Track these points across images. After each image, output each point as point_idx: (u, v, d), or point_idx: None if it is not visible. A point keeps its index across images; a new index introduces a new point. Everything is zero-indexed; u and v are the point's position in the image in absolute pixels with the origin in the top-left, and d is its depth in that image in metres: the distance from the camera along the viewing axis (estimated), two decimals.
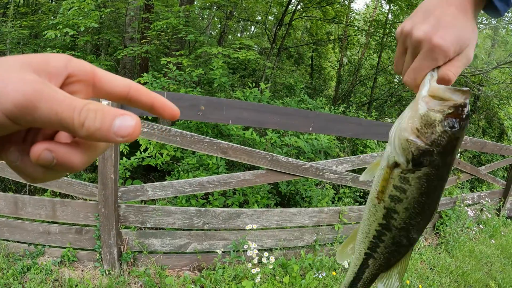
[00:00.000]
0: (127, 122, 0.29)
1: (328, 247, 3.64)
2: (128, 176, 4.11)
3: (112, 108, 0.29)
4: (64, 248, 2.88)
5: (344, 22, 10.50)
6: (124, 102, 0.36)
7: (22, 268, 2.71)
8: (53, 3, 11.36)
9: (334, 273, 3.26)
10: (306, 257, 3.37)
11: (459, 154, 8.82)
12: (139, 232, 2.94)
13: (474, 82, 10.29)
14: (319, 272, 3.21)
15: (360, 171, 5.15)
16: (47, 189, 3.54)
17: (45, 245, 2.89)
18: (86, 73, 0.33)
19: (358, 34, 10.92)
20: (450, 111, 0.54)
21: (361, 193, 5.14)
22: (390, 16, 10.74)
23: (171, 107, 0.36)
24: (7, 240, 2.86)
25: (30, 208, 2.77)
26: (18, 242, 2.87)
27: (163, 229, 3.07)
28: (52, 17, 8.32)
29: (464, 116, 0.54)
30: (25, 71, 0.28)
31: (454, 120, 0.53)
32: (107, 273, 2.84)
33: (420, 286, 3.39)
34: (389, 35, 9.79)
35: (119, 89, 0.35)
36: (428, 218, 0.62)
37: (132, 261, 2.94)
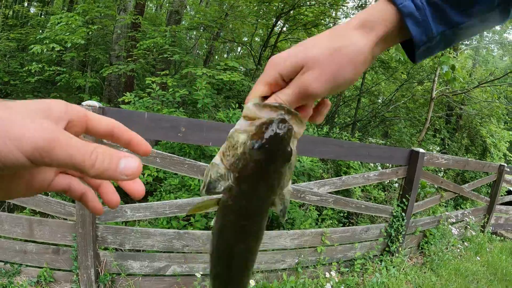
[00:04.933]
0: (131, 164, 0.34)
1: (310, 269, 3.62)
2: None
3: (117, 151, 0.34)
4: (41, 268, 2.81)
5: None
6: (107, 138, 0.42)
7: None
8: (42, 16, 11.36)
9: None
10: (289, 280, 3.34)
11: (442, 173, 8.97)
12: (118, 254, 2.89)
13: (456, 101, 10.54)
14: None
15: (342, 192, 5.18)
16: (26, 207, 3.48)
17: (22, 264, 2.81)
18: (81, 117, 0.38)
19: None
20: (254, 131, 0.45)
21: (345, 214, 5.15)
22: None
23: (145, 144, 0.42)
24: None
25: (7, 226, 2.70)
26: None
27: (143, 251, 3.02)
28: (40, 31, 8.31)
29: (266, 135, 0.44)
30: (38, 117, 0.32)
31: (255, 140, 0.44)
32: None
33: None
34: None
35: (105, 128, 0.41)
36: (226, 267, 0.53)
37: (110, 283, 2.88)
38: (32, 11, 12.81)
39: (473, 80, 11.19)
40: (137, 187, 0.42)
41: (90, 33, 6.83)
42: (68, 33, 6.07)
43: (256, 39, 11.15)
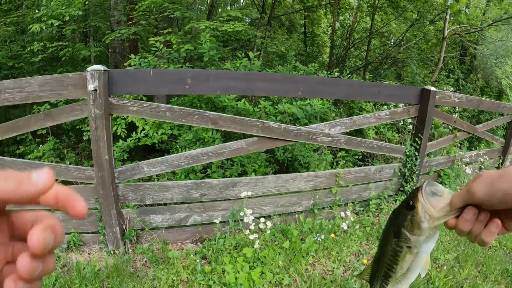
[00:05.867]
0: (41, 172, 0.33)
1: (327, 210, 3.67)
2: (126, 157, 4.13)
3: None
4: (69, 233, 2.92)
5: None
6: None
7: None
8: None
9: (333, 235, 3.30)
10: (306, 222, 3.40)
11: (457, 114, 8.78)
12: (139, 210, 2.99)
13: (470, 41, 10.10)
14: (318, 235, 3.24)
15: (356, 134, 5.15)
16: None
17: None
18: None
19: None
20: None
21: (360, 157, 5.15)
22: None
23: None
24: None
25: None
26: None
27: (163, 204, 3.11)
28: (36, 10, 8.19)
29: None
30: None
31: None
32: (112, 253, 2.89)
33: None
34: None
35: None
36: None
37: (135, 238, 3.00)
38: None
39: (486, 19, 10.62)
40: (78, 205, 0.35)
41: (86, 3, 6.70)
42: (64, 7, 5.97)
43: None
